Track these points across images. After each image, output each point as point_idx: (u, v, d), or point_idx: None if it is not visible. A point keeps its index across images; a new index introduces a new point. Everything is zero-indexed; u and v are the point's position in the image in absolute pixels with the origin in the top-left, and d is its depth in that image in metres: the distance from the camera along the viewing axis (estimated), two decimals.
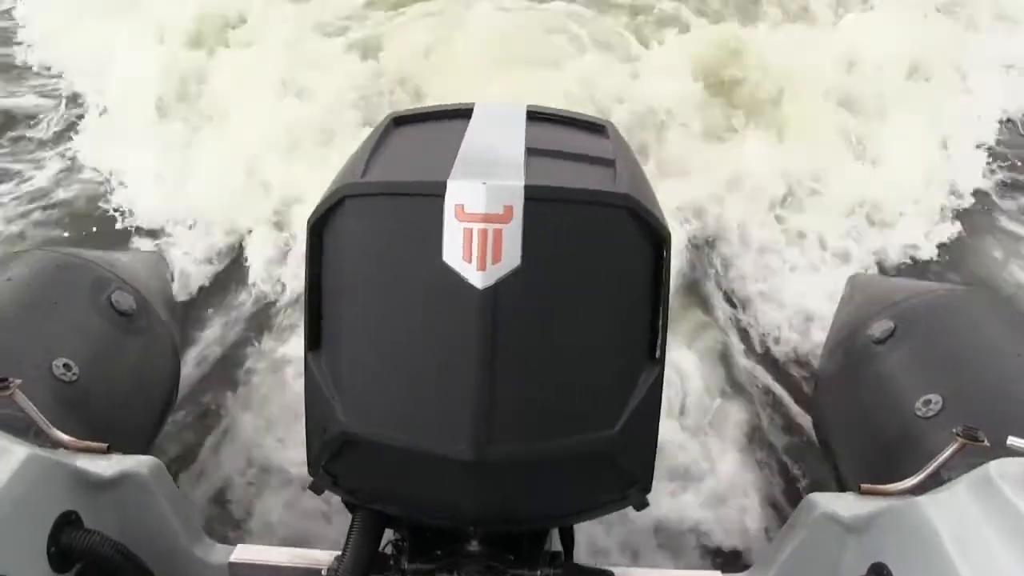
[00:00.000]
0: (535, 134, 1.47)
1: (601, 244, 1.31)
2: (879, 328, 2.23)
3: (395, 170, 1.39)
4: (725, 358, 3.35)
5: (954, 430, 1.58)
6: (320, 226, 1.36)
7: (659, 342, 1.36)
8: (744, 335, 3.46)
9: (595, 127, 1.62)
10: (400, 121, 1.57)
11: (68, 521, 1.55)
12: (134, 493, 1.69)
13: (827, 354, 2.50)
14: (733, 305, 3.61)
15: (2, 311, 2.07)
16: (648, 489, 1.41)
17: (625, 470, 1.37)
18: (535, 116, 1.56)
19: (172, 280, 3.24)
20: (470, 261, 1.23)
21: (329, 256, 1.37)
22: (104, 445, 1.74)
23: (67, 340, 2.08)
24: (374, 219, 1.33)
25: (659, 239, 1.34)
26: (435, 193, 1.25)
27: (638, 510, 1.43)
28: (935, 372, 2.04)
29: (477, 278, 1.23)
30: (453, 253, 1.23)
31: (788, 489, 2.78)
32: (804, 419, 2.93)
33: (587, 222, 1.30)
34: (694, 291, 3.68)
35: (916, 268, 3.79)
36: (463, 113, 1.56)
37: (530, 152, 1.38)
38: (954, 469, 1.55)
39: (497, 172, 1.28)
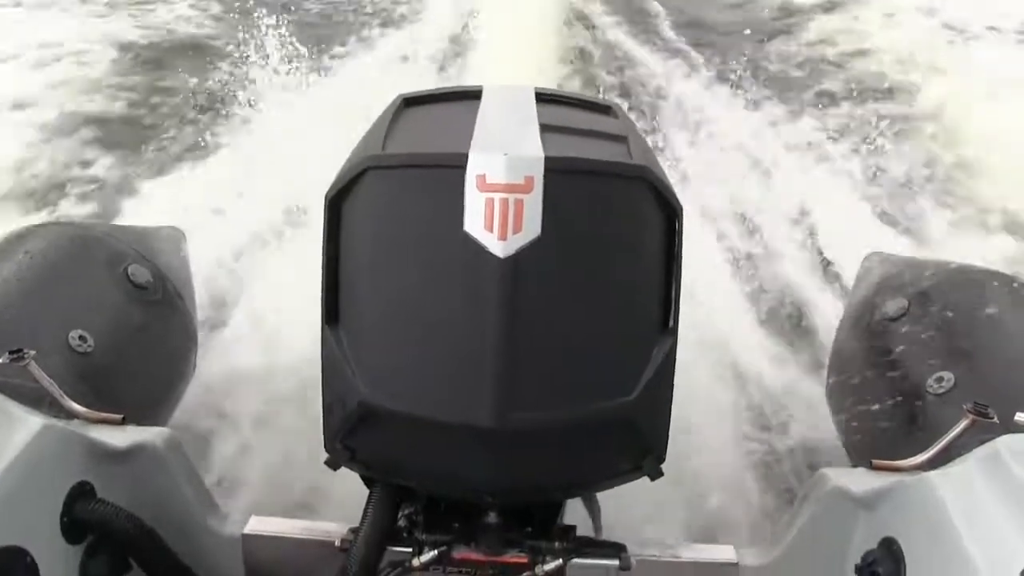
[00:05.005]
0: (546, 113, 1.48)
1: (618, 215, 1.33)
2: (893, 306, 2.24)
3: (414, 144, 1.41)
4: None
5: (965, 406, 1.59)
6: (339, 199, 1.38)
7: (672, 312, 1.37)
8: None
9: (602, 107, 1.65)
10: (410, 102, 1.58)
11: (82, 492, 1.56)
12: (148, 465, 1.70)
13: (841, 331, 2.52)
14: None
15: (19, 283, 2.09)
16: (663, 459, 1.43)
17: (641, 438, 1.39)
18: (543, 97, 1.58)
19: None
20: (491, 230, 1.24)
21: (348, 229, 1.38)
22: (119, 416, 1.75)
23: (83, 312, 2.10)
24: (395, 191, 1.35)
25: (673, 211, 1.37)
26: (456, 164, 1.26)
27: (653, 479, 1.45)
28: (948, 350, 2.05)
29: (498, 247, 1.24)
30: (475, 223, 1.24)
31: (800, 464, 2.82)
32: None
33: (605, 193, 1.32)
34: None
35: None
36: (472, 95, 1.57)
37: (544, 128, 1.39)
38: (965, 446, 1.55)
39: (516, 143, 1.30)
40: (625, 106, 1.76)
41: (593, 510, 1.61)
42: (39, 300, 2.07)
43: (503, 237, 1.24)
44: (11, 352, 1.63)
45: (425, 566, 1.52)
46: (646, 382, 1.34)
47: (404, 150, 1.37)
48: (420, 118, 1.53)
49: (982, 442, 1.47)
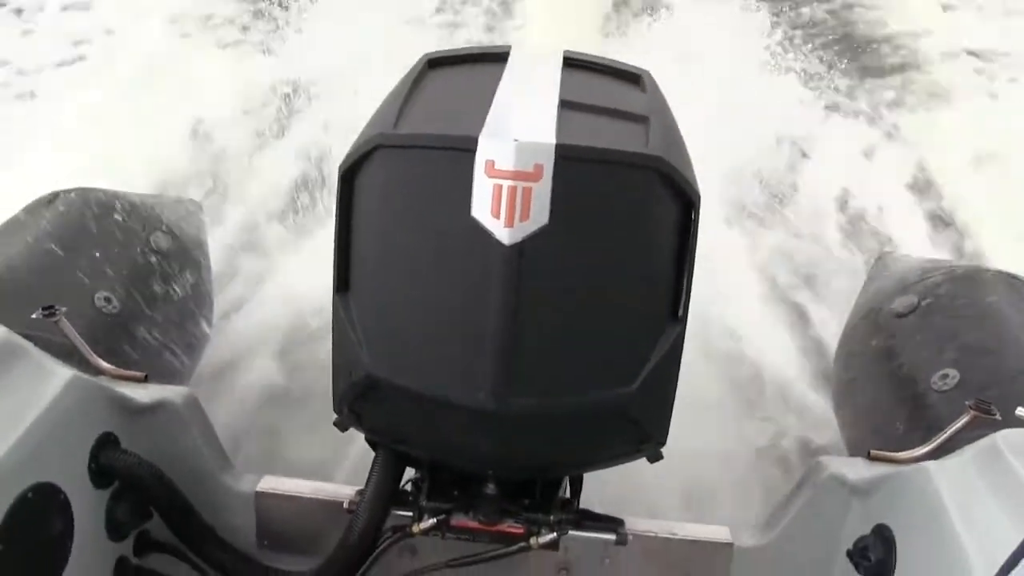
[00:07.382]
0: (570, 84, 1.46)
1: (630, 204, 1.31)
2: (902, 303, 2.26)
3: (427, 121, 1.39)
4: None
5: (967, 403, 1.60)
6: (352, 173, 1.38)
7: (682, 301, 1.37)
8: None
9: (631, 76, 1.61)
10: (435, 63, 1.57)
11: (107, 441, 1.62)
12: (169, 421, 1.76)
13: (849, 326, 2.53)
14: None
15: (49, 245, 2.18)
16: (663, 443, 1.44)
17: (641, 425, 1.40)
18: (572, 63, 1.56)
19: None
20: (498, 217, 1.23)
21: (360, 202, 1.39)
22: (142, 375, 1.82)
23: (108, 275, 2.19)
24: (405, 170, 1.35)
25: (688, 201, 1.34)
26: (466, 148, 1.25)
27: (651, 462, 1.47)
28: (954, 348, 2.06)
29: (504, 234, 1.23)
30: (482, 208, 1.24)
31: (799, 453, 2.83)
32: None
33: (617, 182, 1.30)
34: None
35: None
36: (499, 57, 1.55)
37: (563, 105, 1.38)
38: (965, 442, 1.57)
39: (529, 128, 1.28)
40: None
41: (575, 487, 1.63)
42: (68, 261, 2.16)
43: (510, 224, 1.23)
44: (44, 308, 1.70)
45: (424, 532, 1.57)
46: (648, 372, 1.34)
47: (417, 128, 1.36)
48: (441, 86, 1.51)
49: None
